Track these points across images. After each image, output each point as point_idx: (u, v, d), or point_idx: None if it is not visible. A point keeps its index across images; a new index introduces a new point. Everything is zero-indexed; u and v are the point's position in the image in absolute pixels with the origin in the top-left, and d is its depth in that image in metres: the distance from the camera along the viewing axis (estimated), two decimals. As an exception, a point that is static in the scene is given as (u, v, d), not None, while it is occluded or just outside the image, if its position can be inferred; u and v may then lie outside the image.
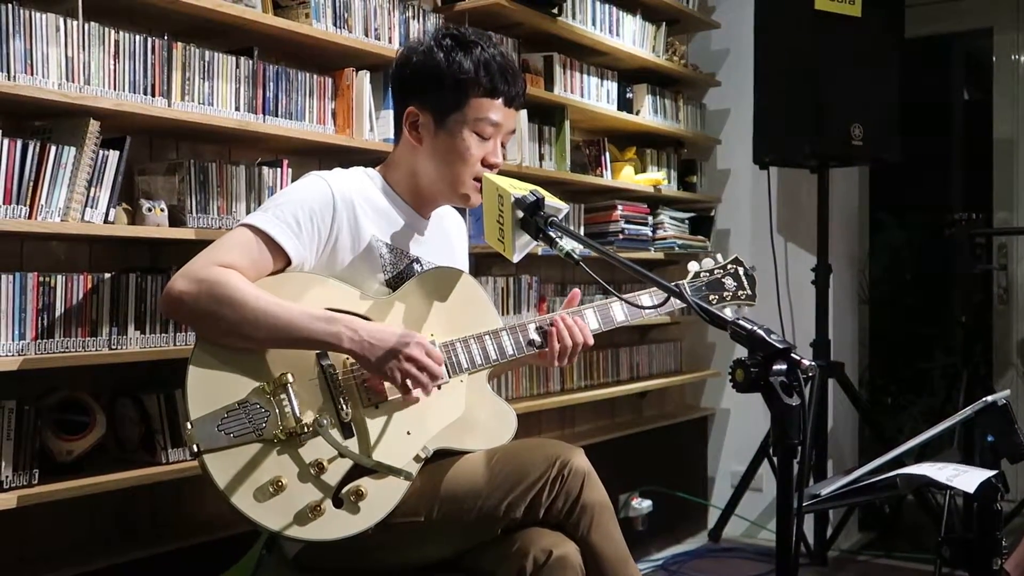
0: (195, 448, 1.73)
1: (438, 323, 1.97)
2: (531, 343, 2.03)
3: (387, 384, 1.88)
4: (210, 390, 1.76)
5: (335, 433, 1.82)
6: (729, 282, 2.28)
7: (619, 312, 2.15)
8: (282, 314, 1.78)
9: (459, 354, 1.97)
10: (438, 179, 2.03)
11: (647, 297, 2.17)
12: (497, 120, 2.01)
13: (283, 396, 1.79)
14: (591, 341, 2.07)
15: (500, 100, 2.00)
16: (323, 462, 1.79)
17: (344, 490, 1.81)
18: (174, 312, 1.91)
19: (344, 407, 1.84)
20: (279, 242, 1.85)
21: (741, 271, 2.31)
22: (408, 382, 1.83)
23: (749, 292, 2.30)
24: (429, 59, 1.99)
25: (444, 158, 2.00)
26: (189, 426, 1.73)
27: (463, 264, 2.24)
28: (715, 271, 2.29)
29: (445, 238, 2.18)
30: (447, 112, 1.98)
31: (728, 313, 2.23)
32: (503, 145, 2.06)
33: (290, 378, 1.80)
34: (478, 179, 2.02)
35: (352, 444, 1.84)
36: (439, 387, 1.92)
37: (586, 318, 2.10)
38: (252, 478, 1.75)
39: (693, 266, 2.28)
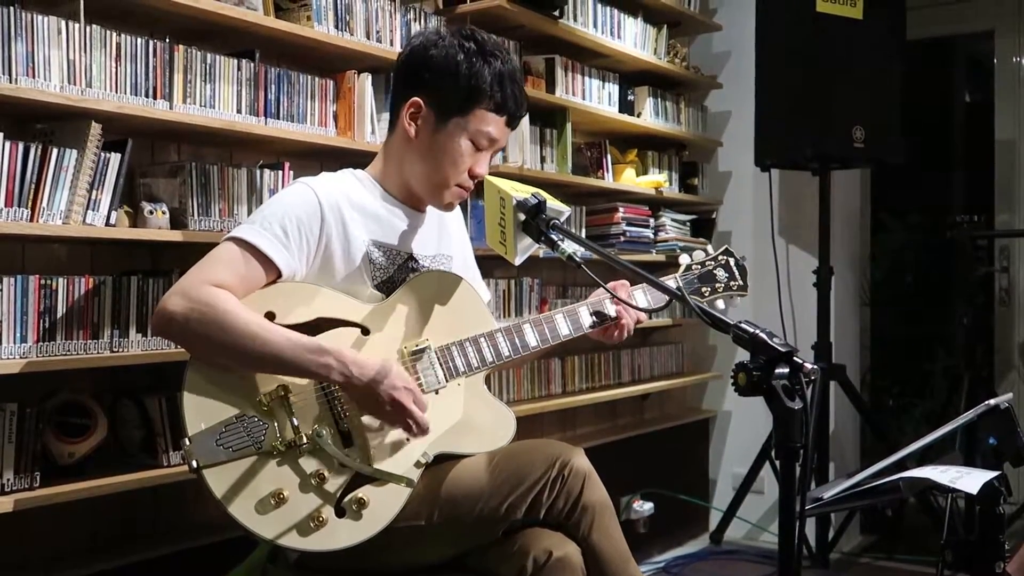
0: (194, 464, 1.73)
1: (432, 327, 1.97)
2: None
3: None
4: (207, 405, 1.76)
5: (334, 443, 1.82)
6: (721, 273, 2.28)
7: (613, 310, 2.16)
8: (271, 341, 1.76)
9: (455, 358, 1.96)
10: (423, 177, 2.02)
11: (640, 293, 2.17)
12: (495, 136, 2.01)
13: (281, 408, 1.79)
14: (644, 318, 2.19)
15: (504, 118, 2.01)
16: (323, 472, 1.79)
17: (346, 499, 1.80)
18: (165, 332, 1.89)
19: (342, 416, 1.84)
20: (268, 255, 1.84)
21: (732, 262, 2.31)
22: (392, 419, 1.84)
23: (741, 282, 2.30)
24: (450, 57, 1.97)
25: (435, 157, 2.00)
26: (187, 442, 1.73)
27: (464, 248, 2.24)
28: (706, 263, 2.29)
29: (442, 226, 2.17)
30: (451, 113, 1.98)
31: (720, 305, 2.25)
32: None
33: (287, 390, 1.79)
34: (460, 186, 2.02)
35: (352, 453, 1.83)
36: (437, 392, 1.92)
37: (580, 315, 2.11)
38: (253, 491, 1.74)
39: (684, 259, 2.28)
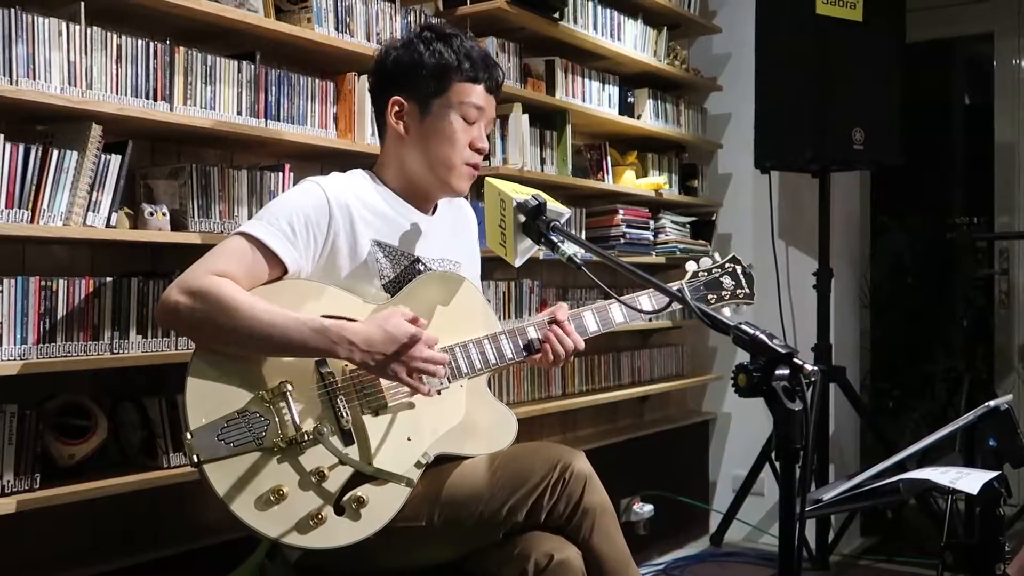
0: (195, 458, 1.73)
1: (437, 328, 1.97)
2: (529, 346, 2.04)
3: (388, 390, 1.88)
4: (209, 400, 1.76)
5: (335, 440, 1.82)
6: (727, 281, 2.28)
7: (618, 313, 2.16)
8: (277, 322, 1.77)
9: (459, 359, 1.97)
10: (427, 167, 2.03)
11: (646, 299, 2.17)
12: (480, 104, 2.04)
13: (282, 404, 1.79)
14: (582, 346, 2.08)
15: (482, 86, 2.04)
16: (324, 470, 1.79)
17: (345, 497, 1.81)
18: (170, 322, 1.92)
19: (344, 414, 1.84)
20: (274, 250, 1.85)
21: (739, 270, 2.30)
22: (412, 378, 1.83)
23: (747, 291, 2.29)
24: (410, 51, 2.03)
25: (432, 143, 2.02)
26: (189, 436, 1.73)
27: (473, 258, 2.24)
28: (713, 270, 2.28)
29: (453, 232, 2.18)
30: (431, 98, 2.01)
31: (727, 313, 2.24)
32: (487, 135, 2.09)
33: (289, 386, 1.80)
34: (468, 164, 2.04)
35: (352, 451, 1.84)
36: (439, 392, 1.93)
37: (584, 320, 2.11)
38: (253, 487, 1.75)
39: (691, 266, 2.28)
